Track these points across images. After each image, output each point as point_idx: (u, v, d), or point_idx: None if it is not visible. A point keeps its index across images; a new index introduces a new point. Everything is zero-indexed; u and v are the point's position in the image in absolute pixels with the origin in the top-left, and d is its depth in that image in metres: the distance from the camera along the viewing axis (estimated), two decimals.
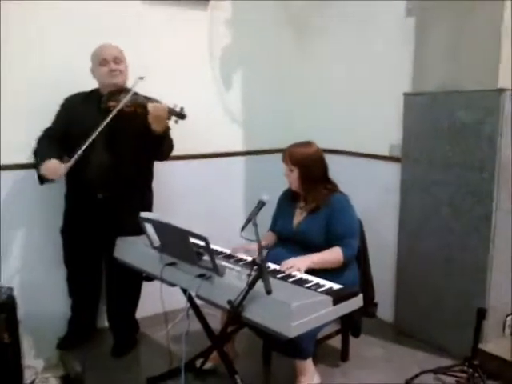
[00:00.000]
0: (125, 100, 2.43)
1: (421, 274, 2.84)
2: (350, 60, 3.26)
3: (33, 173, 2.54)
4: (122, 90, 2.52)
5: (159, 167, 2.86)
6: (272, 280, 1.89)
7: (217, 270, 1.90)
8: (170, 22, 3.09)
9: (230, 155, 3.43)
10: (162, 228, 2.06)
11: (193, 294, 2.01)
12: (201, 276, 1.97)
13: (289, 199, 2.49)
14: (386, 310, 3.01)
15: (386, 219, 3.03)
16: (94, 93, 2.63)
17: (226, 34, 3.33)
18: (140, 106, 2.47)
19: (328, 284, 1.93)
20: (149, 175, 2.77)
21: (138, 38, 2.93)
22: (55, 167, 2.38)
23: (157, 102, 2.48)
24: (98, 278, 2.82)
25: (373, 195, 3.11)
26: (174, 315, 2.66)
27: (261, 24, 3.45)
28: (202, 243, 1.89)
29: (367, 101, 3.16)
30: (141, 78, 2.48)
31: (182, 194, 3.24)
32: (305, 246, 2.30)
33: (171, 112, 2.43)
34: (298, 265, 2.09)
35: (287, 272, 2.05)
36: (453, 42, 2.62)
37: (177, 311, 2.63)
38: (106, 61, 2.52)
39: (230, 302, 1.79)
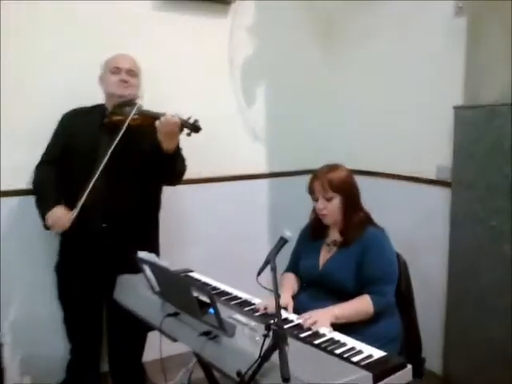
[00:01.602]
0: (133, 112, 2.13)
1: (476, 321, 2.38)
2: (389, 68, 2.86)
3: (31, 200, 2.27)
4: (128, 103, 2.22)
5: (170, 193, 2.51)
6: (294, 342, 1.51)
7: (224, 330, 1.51)
8: (186, 29, 2.79)
9: (251, 178, 3.08)
10: (159, 272, 1.69)
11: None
12: (206, 334, 1.58)
13: (312, 236, 2.09)
14: (433, 360, 2.53)
15: (432, 256, 2.57)
16: (97, 108, 2.34)
17: (248, 42, 3.00)
18: (148, 118, 2.13)
19: (366, 349, 1.51)
20: (156, 203, 2.42)
21: (152, 46, 2.65)
22: (60, 218, 2.13)
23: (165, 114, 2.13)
24: (98, 319, 2.46)
25: (415, 226, 2.67)
26: (188, 358, 2.26)
27: (286, 31, 3.11)
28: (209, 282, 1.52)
29: (409, 116, 2.75)
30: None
31: (197, 222, 2.92)
32: (332, 290, 1.90)
33: (184, 124, 2.07)
34: (320, 321, 1.68)
35: (314, 329, 1.64)
36: None
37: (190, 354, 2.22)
38: (118, 69, 2.25)
39: (239, 373, 1.39)
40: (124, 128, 2.11)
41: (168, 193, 2.48)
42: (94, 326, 2.44)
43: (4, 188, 2.40)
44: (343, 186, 1.95)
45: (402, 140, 2.81)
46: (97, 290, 2.34)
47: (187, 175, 2.35)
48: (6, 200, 2.42)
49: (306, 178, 3.43)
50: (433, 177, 2.62)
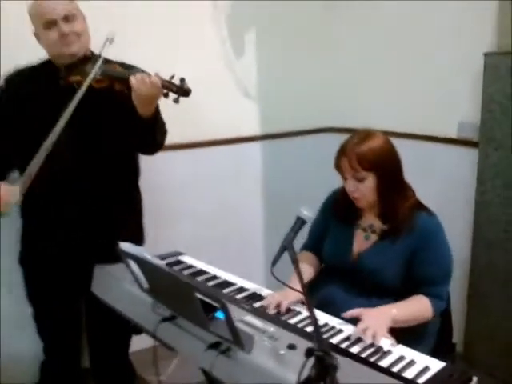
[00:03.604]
0: (94, 71, 1.68)
1: (503, 298, 2.17)
2: (403, 9, 2.47)
3: None
4: (87, 58, 1.78)
5: (153, 160, 2.11)
6: None
7: (241, 345, 1.19)
8: None
9: (243, 141, 2.73)
10: (150, 271, 1.34)
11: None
12: (215, 346, 1.26)
13: (341, 217, 1.70)
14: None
15: (454, 224, 2.24)
16: (48, 65, 1.85)
17: None
18: (118, 79, 1.71)
19: (418, 358, 1.22)
20: (135, 174, 2.05)
21: None
22: (5, 195, 1.69)
23: (142, 71, 1.72)
24: (75, 314, 2.11)
25: (434, 191, 2.35)
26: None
27: None
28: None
29: (425, 66, 2.42)
30: (110, 41, 1.72)
31: (184, 192, 2.58)
32: (369, 284, 1.57)
33: (167, 86, 1.65)
34: (379, 331, 1.34)
35: (376, 343, 1.31)
36: None
37: None
38: (52, 22, 1.71)
39: None
40: (82, 90, 1.67)
41: (145, 160, 2.09)
42: (70, 322, 2.09)
43: None
44: (377, 162, 1.54)
45: (414, 95, 2.49)
46: (72, 282, 1.98)
47: (167, 140, 1.97)
48: None
49: (303, 140, 3.07)
50: (453, 135, 2.31)
